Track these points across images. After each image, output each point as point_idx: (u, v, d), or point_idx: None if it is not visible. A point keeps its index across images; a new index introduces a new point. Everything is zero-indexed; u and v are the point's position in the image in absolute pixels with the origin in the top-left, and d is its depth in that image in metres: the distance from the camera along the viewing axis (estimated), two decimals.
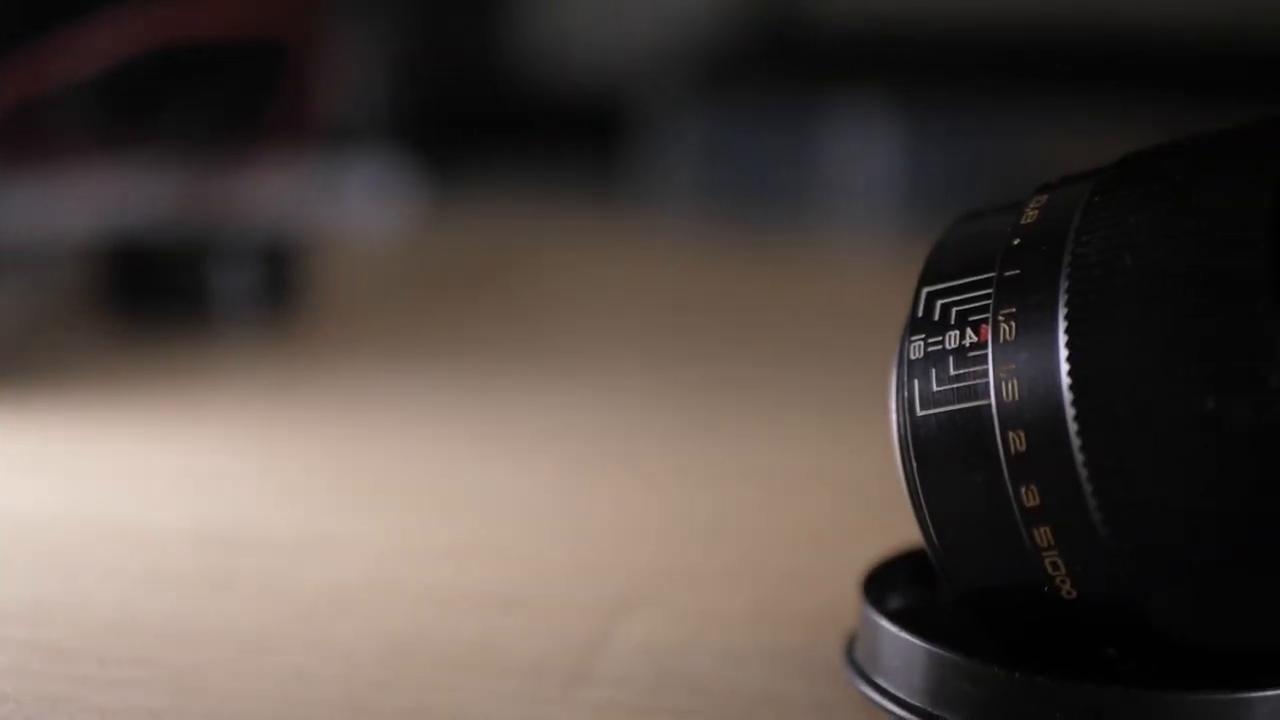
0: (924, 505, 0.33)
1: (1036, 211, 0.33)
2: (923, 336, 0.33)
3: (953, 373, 0.32)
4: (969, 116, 1.17)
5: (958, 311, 0.33)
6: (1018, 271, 0.32)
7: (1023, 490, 0.31)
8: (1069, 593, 0.31)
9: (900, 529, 0.34)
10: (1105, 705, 0.31)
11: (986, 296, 0.32)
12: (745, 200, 1.17)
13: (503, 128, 1.35)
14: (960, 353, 0.32)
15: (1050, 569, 0.31)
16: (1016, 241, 0.33)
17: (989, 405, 0.31)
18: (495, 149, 1.34)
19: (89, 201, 0.96)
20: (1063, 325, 0.30)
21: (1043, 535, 0.31)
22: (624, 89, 1.31)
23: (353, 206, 1.11)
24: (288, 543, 0.47)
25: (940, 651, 0.33)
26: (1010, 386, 0.31)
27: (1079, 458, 0.30)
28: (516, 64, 1.42)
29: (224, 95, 1.09)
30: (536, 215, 1.21)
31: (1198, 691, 0.31)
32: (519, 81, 1.41)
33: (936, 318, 0.33)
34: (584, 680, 0.37)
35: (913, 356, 0.33)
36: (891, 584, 0.38)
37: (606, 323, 0.86)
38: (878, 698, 0.34)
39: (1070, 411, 0.30)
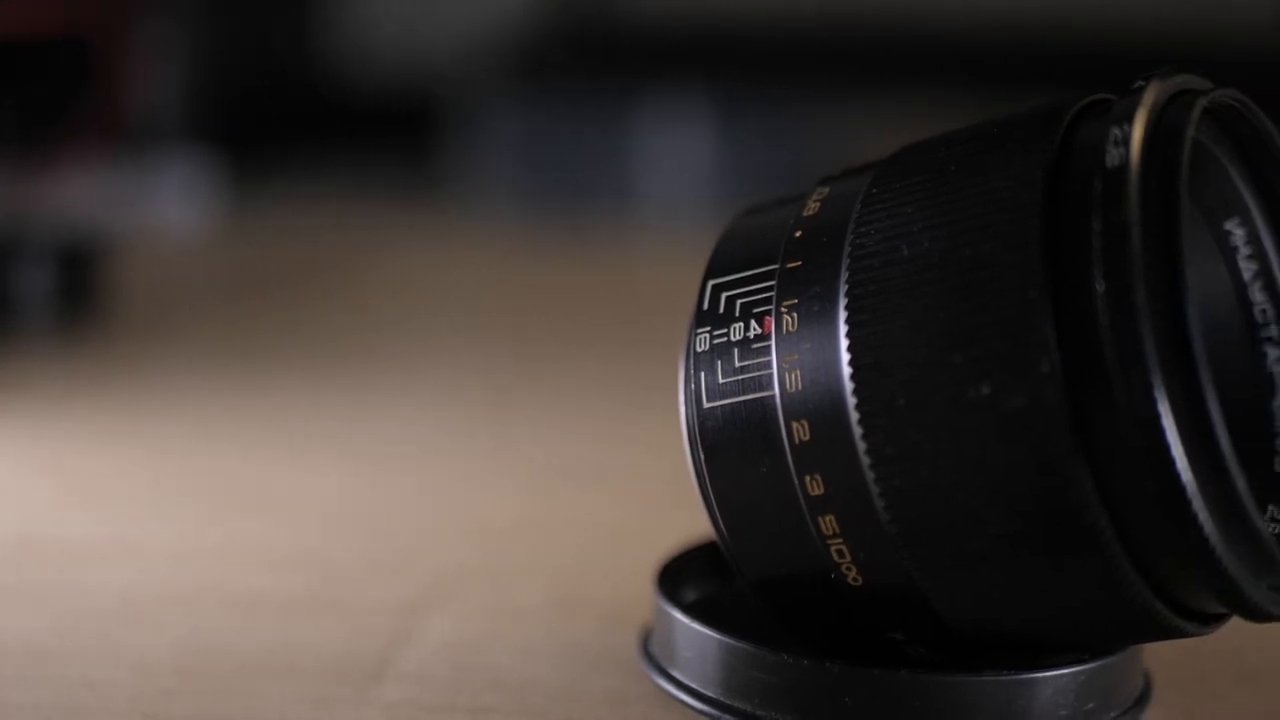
0: (712, 497, 0.33)
1: (818, 204, 0.33)
2: (708, 329, 0.33)
3: (737, 364, 0.32)
4: (782, 109, 1.18)
5: (742, 304, 0.33)
6: (799, 263, 0.32)
7: (807, 479, 0.31)
8: (855, 579, 0.32)
9: (701, 521, 0.34)
10: (892, 689, 0.32)
11: (769, 288, 0.33)
12: (561, 195, 1.17)
13: (316, 126, 1.33)
14: (745, 345, 0.32)
15: (836, 557, 0.32)
16: (798, 234, 0.33)
17: (773, 396, 0.32)
18: (308, 148, 1.32)
19: None
20: (843, 316, 0.31)
21: (828, 524, 0.31)
22: (438, 85, 1.30)
23: (158, 207, 1.09)
24: (84, 549, 0.46)
25: (730, 641, 0.33)
26: (793, 377, 0.31)
27: (861, 446, 0.30)
28: (328, 61, 1.40)
29: (27, 93, 1.06)
30: (350, 214, 1.20)
31: (982, 673, 0.32)
32: (332, 79, 1.40)
33: (722, 310, 0.33)
34: (381, 680, 0.37)
35: (699, 349, 0.33)
36: (687, 576, 0.38)
37: (416, 322, 0.86)
38: (672, 689, 0.35)
39: (851, 401, 0.30)
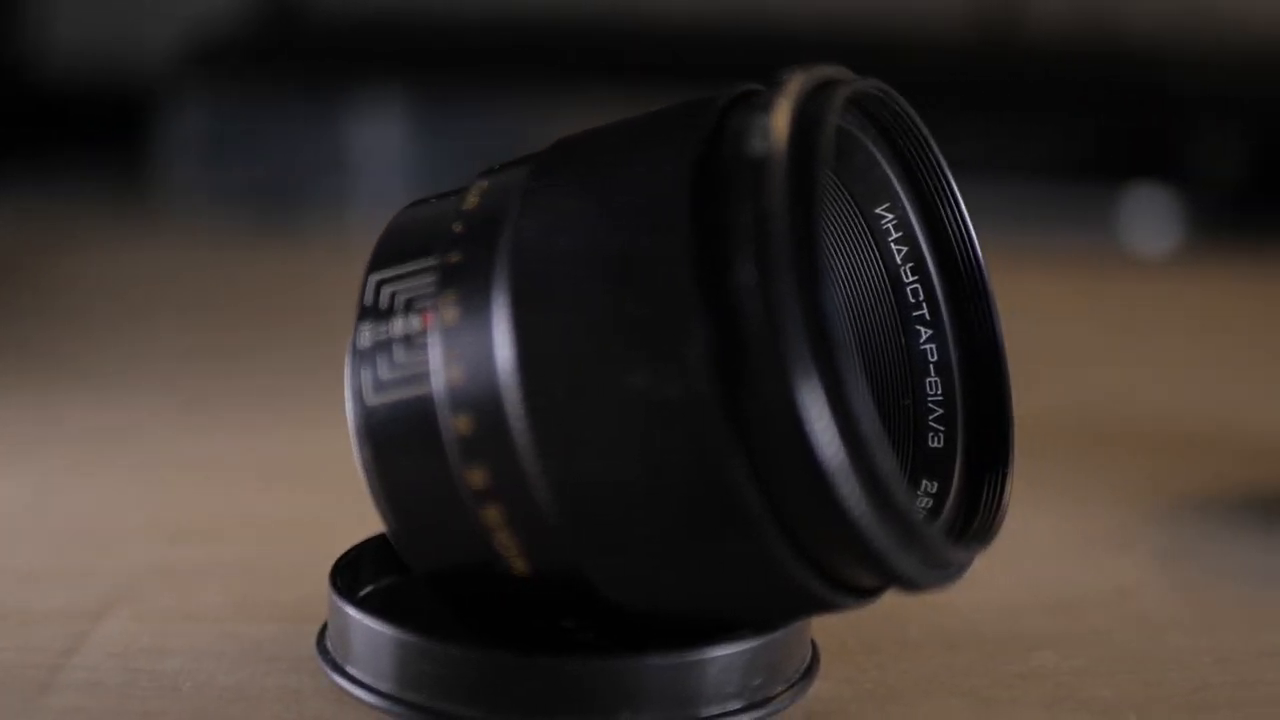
0: (379, 492, 0.33)
1: (478, 197, 0.33)
2: (370, 324, 0.33)
3: (399, 360, 0.32)
4: (483, 105, 1.18)
5: (404, 299, 0.33)
6: (460, 257, 0.32)
7: (470, 473, 0.31)
8: (522, 570, 0.32)
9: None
10: (560, 676, 0.32)
11: (430, 283, 0.33)
12: (264, 194, 1.15)
13: (11, 124, 1.29)
14: (406, 340, 0.33)
15: (501, 548, 0.32)
16: (458, 227, 0.33)
17: (435, 391, 0.32)
18: (6, 147, 1.28)
19: None
20: (503, 309, 0.31)
21: (492, 516, 0.32)
22: (140, 83, 1.27)
23: None
24: None
25: (400, 634, 0.33)
26: (455, 371, 0.32)
27: (523, 438, 0.31)
28: (26, 57, 1.36)
29: None
30: (46, 214, 1.16)
31: (648, 655, 0.32)
32: (29, 76, 1.35)
33: (384, 305, 0.33)
34: (49, 690, 0.36)
35: (362, 345, 0.33)
36: (363, 570, 0.38)
37: (107, 322, 0.83)
38: (346, 684, 0.34)
39: (513, 394, 0.31)
